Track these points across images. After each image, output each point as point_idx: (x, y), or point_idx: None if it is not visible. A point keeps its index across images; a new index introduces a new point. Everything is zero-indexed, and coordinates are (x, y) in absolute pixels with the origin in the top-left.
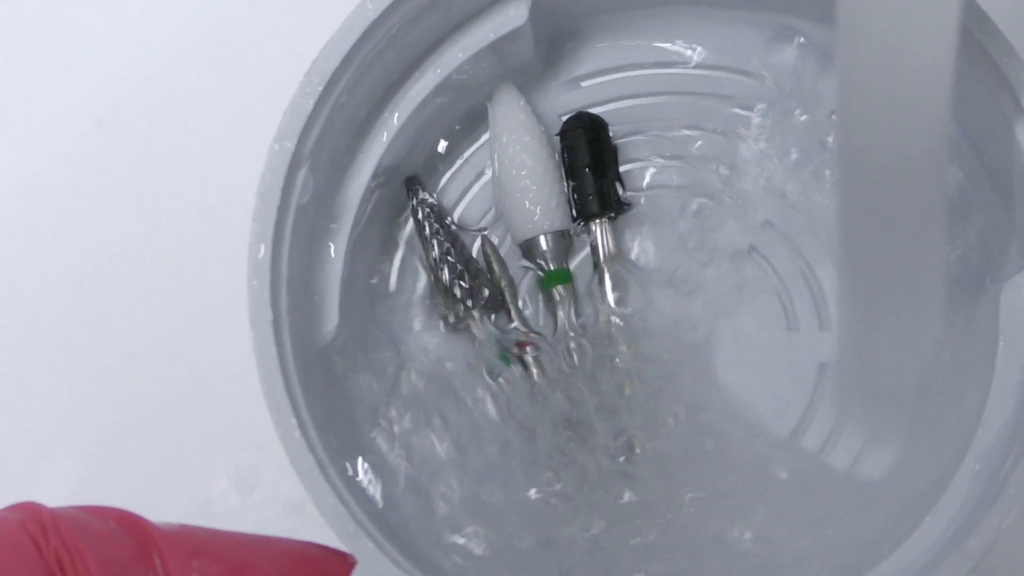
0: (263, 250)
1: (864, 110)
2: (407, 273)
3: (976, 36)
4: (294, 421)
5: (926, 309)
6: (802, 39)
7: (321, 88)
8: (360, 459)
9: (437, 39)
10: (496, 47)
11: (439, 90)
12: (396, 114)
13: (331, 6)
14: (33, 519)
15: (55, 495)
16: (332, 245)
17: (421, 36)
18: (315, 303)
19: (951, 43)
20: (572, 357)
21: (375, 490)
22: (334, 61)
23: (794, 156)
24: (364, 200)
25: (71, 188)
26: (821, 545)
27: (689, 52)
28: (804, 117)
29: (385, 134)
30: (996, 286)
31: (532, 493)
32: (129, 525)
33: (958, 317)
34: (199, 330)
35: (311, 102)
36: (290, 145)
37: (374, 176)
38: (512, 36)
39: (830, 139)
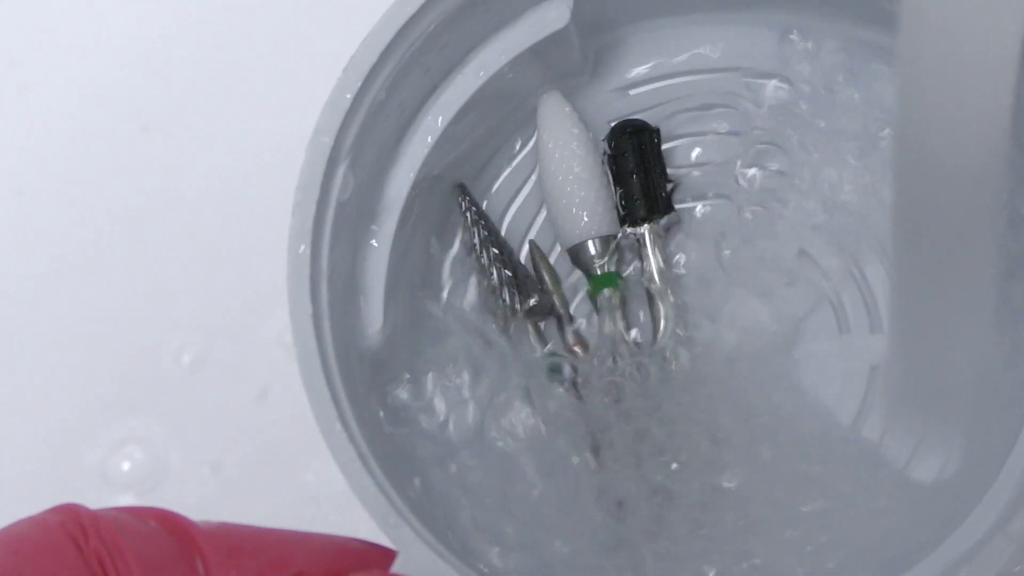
0: (302, 244)
1: (923, 114)
2: (458, 278)
3: None
4: (334, 412)
5: (978, 313)
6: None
7: (359, 84)
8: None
9: (478, 41)
10: (539, 51)
11: (484, 93)
12: (440, 117)
13: (374, 5)
14: (73, 520)
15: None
16: (376, 245)
17: (461, 37)
18: (359, 303)
19: (1015, 50)
20: (617, 362)
21: (418, 483)
22: (371, 58)
23: (843, 158)
24: (409, 203)
25: (114, 191)
26: (867, 544)
27: (738, 58)
28: (847, 120)
29: (429, 137)
30: None
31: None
32: (169, 524)
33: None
34: (241, 329)
35: (348, 97)
36: (328, 140)
37: (418, 180)
38: (555, 39)
39: (882, 141)
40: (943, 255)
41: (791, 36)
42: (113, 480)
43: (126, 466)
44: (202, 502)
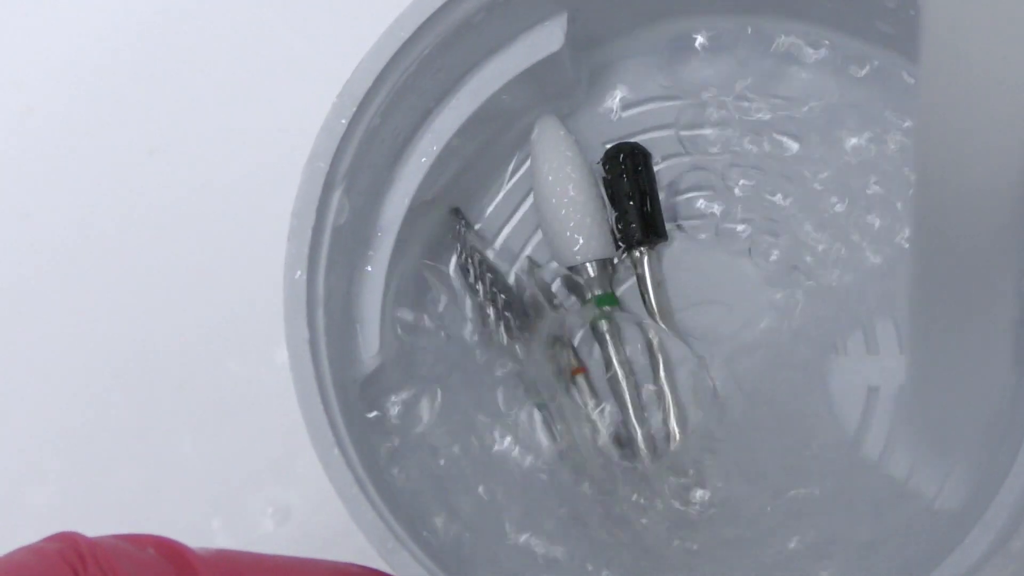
0: (298, 270)
1: (942, 148)
2: (453, 301)
3: None
4: (332, 438)
5: (994, 341)
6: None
7: (354, 109)
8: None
9: (472, 64)
10: (533, 74)
11: (478, 117)
12: (435, 141)
13: (368, 29)
14: (71, 548)
15: (102, 523)
16: (372, 270)
17: (456, 60)
18: (355, 328)
19: None
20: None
21: (415, 508)
22: (366, 83)
23: (840, 182)
24: (404, 227)
25: (120, 214)
26: (867, 563)
27: (735, 81)
28: (851, 140)
29: (424, 160)
30: None
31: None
32: (167, 551)
33: None
34: (239, 353)
35: (344, 122)
36: (323, 165)
37: (413, 204)
38: (549, 62)
39: (884, 163)
40: (961, 288)
41: (789, 57)
42: (107, 502)
43: (117, 493)
44: (198, 527)
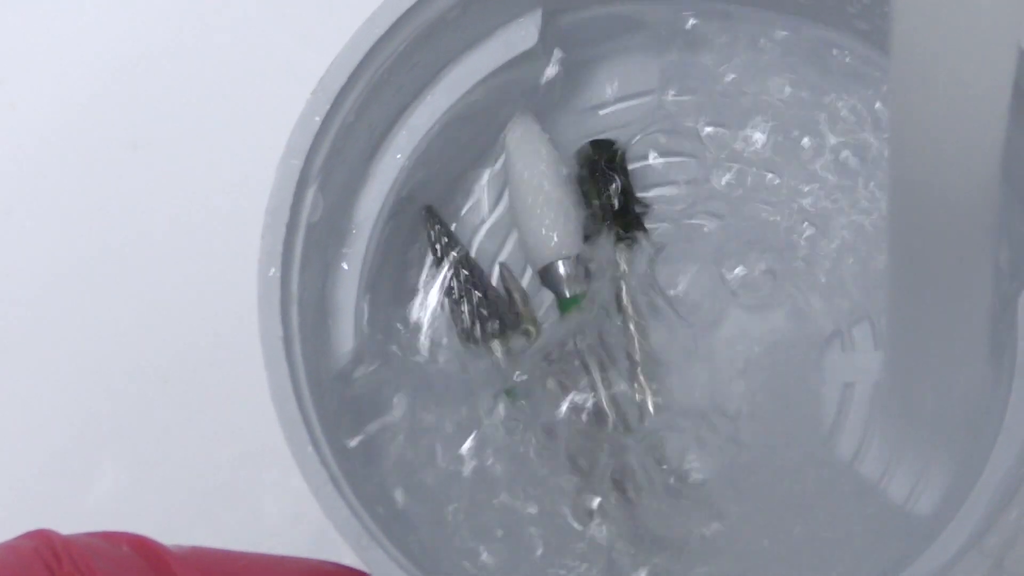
0: (272, 267)
1: (916, 143)
2: (428, 300)
3: None
4: (306, 436)
5: (968, 337)
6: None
7: (328, 106)
8: (375, 475)
9: (448, 60)
10: (509, 70)
11: (453, 114)
12: (410, 138)
13: (343, 25)
14: (46, 545)
15: (87, 520)
16: (347, 268)
17: (432, 57)
18: (330, 326)
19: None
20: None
21: (388, 503)
22: (341, 79)
23: (810, 178)
24: (379, 225)
25: (104, 210)
26: (842, 562)
27: (714, 77)
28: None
29: (399, 157)
30: (1016, 287)
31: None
32: (142, 549)
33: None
34: (230, 353)
35: (317, 120)
36: (297, 162)
37: (388, 201)
38: (524, 59)
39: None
40: (937, 282)
41: (767, 52)
42: (85, 501)
43: (100, 488)
44: (174, 526)
